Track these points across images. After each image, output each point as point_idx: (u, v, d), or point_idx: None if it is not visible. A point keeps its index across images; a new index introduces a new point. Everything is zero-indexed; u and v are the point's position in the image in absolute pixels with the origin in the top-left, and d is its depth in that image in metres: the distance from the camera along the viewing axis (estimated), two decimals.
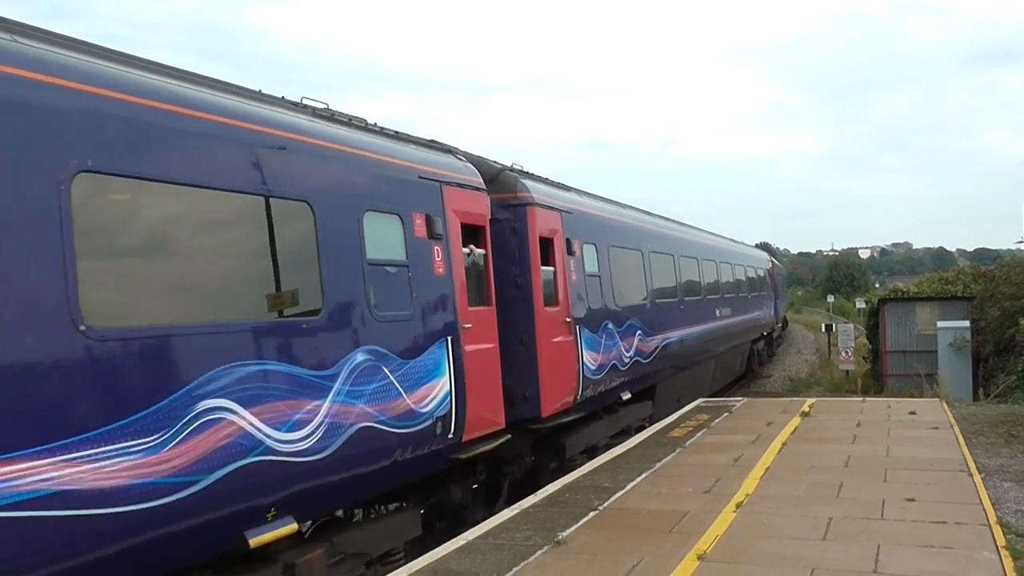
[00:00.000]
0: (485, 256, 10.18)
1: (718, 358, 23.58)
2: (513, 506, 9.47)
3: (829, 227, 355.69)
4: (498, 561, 7.42)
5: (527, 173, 12.15)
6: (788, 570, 6.97)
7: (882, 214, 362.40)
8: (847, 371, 28.79)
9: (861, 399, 18.97)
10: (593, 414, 13.47)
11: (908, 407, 15.87)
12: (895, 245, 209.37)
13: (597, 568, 7.19)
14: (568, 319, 11.96)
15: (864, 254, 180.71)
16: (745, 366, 30.04)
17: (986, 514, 8.34)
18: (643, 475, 10.67)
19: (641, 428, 15.17)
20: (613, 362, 13.58)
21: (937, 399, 17.59)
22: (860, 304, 43.35)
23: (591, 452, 13.06)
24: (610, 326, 13.63)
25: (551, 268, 11.70)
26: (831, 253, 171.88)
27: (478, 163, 10.92)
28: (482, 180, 10.28)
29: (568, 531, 8.25)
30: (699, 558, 7.27)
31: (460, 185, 9.59)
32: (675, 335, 17.46)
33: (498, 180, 11.19)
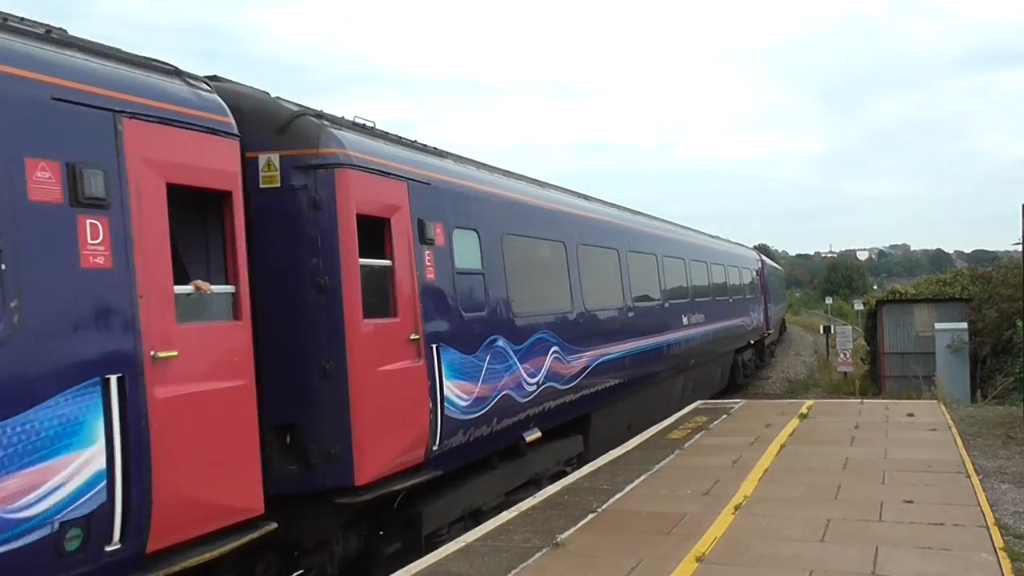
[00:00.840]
0: (226, 237, 6.74)
1: (688, 372, 19.95)
2: (512, 508, 9.48)
3: (827, 228, 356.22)
4: (497, 563, 7.43)
5: (346, 121, 8.28)
6: (787, 572, 6.99)
7: (880, 215, 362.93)
8: (845, 373, 28.80)
9: (859, 401, 19.01)
10: (478, 464, 10.06)
11: (906, 409, 15.90)
12: (893, 247, 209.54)
13: (596, 570, 7.19)
14: (414, 336, 8.24)
15: (862, 256, 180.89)
16: (727, 379, 26.20)
17: (984, 516, 8.36)
18: (642, 477, 10.68)
19: (562, 474, 11.70)
20: (505, 392, 9.99)
21: (935, 401, 17.63)
22: (858, 306, 43.44)
23: (476, 517, 9.69)
24: (500, 344, 9.98)
25: (386, 262, 8.11)
26: (829, 255, 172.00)
27: (258, 101, 7.65)
28: (232, 121, 6.74)
29: (567, 533, 8.26)
30: (698, 560, 7.29)
31: (171, 122, 6.14)
32: (617, 350, 13.97)
33: (292, 129, 7.54)
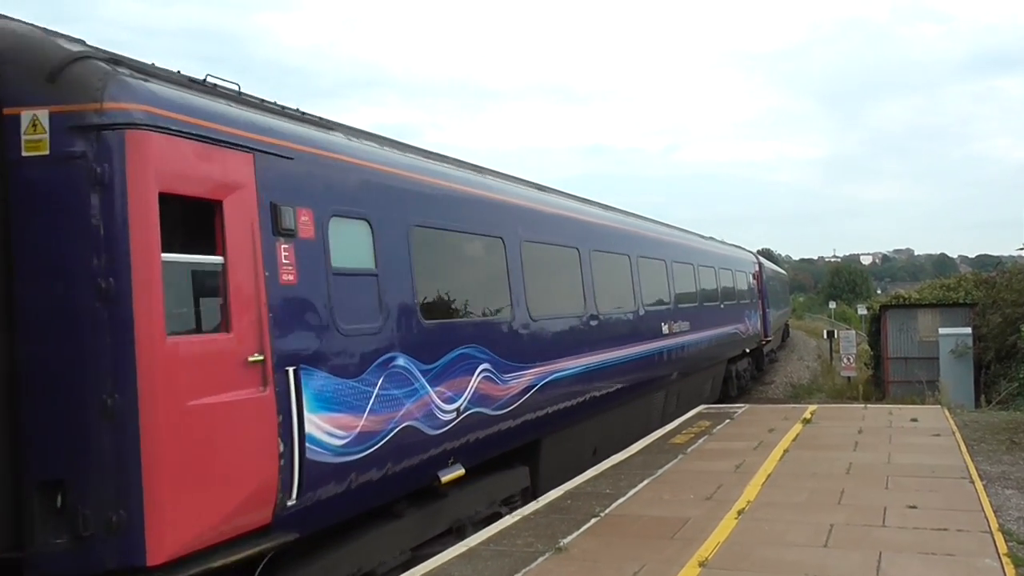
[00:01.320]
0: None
1: (672, 386, 17.75)
2: (514, 512, 9.47)
3: (831, 233, 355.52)
4: (500, 567, 7.42)
5: (158, 70, 6.36)
6: None
7: (884, 220, 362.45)
8: (849, 378, 28.77)
9: (863, 406, 18.96)
10: (379, 512, 7.99)
11: (910, 414, 15.88)
12: (897, 251, 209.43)
13: (598, 575, 7.19)
14: (256, 357, 6.21)
15: (866, 260, 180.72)
16: (719, 392, 23.85)
17: (988, 521, 8.34)
18: (645, 481, 10.67)
19: (496, 516, 9.67)
20: (408, 423, 7.87)
21: (939, 406, 17.59)
22: (862, 310, 43.43)
23: None
24: (401, 363, 7.86)
25: (215, 259, 6.11)
26: (833, 259, 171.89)
27: (21, 38, 5.73)
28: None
29: (569, 537, 8.25)
30: (701, 565, 7.28)
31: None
32: (572, 364, 11.67)
33: (67, 76, 5.59)
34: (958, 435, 13.37)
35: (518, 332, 10.37)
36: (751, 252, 32.53)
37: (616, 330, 13.91)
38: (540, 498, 10.10)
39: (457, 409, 8.69)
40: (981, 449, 12.31)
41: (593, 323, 12.75)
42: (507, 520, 9.11)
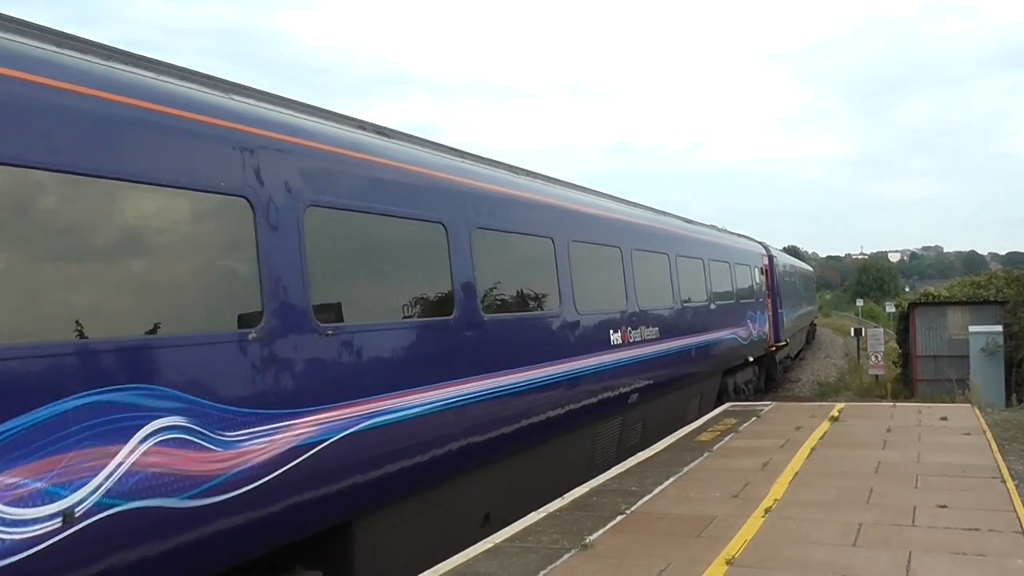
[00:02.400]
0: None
1: (632, 412, 13.67)
2: (540, 509, 9.46)
3: (858, 230, 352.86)
4: (525, 564, 7.42)
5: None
6: None
7: (912, 217, 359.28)
8: (877, 376, 28.49)
9: (891, 404, 18.77)
10: None
11: (939, 412, 15.70)
12: (925, 248, 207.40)
13: (624, 572, 7.17)
14: None
15: (894, 257, 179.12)
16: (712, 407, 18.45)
17: (1020, 521, 8.22)
18: (671, 479, 10.63)
19: None
20: None
21: (969, 404, 17.38)
22: (890, 308, 42.93)
23: None
24: None
25: None
26: (860, 256, 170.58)
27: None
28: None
29: (595, 535, 8.24)
30: (728, 563, 7.24)
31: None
32: (430, 398, 7.94)
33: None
34: (989, 434, 13.20)
35: (270, 357, 6.21)
36: (759, 243, 27.08)
37: (520, 342, 9.89)
38: (566, 495, 10.08)
39: (63, 512, 4.68)
40: (1012, 448, 12.15)
41: (467, 334, 8.74)
42: (533, 516, 9.11)
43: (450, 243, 8.68)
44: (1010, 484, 9.77)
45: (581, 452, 12.05)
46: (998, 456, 11.46)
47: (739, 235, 25.76)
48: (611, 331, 12.49)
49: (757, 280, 24.36)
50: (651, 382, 14.03)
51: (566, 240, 11.32)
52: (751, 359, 22.85)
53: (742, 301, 21.73)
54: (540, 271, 10.85)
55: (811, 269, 57.04)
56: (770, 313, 25.50)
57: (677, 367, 15.61)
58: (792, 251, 65.48)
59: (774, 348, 26.35)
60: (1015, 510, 8.64)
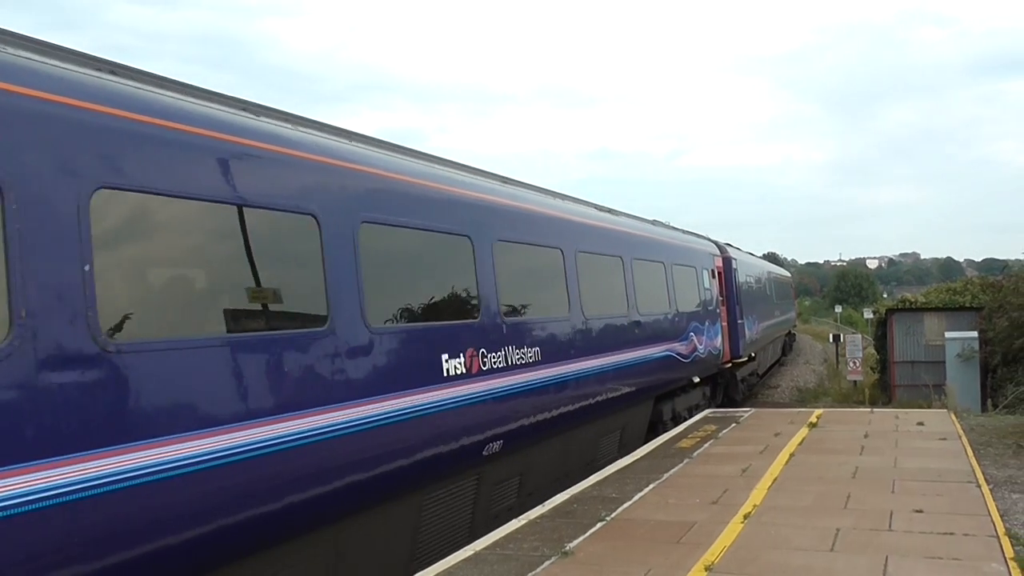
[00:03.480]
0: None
1: (500, 466, 10.05)
2: (520, 516, 9.48)
3: (837, 237, 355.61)
4: (506, 571, 7.44)
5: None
6: None
7: (890, 224, 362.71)
8: (855, 381, 28.73)
9: (869, 410, 18.94)
10: None
11: (916, 418, 15.85)
12: (903, 255, 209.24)
13: None
14: None
15: (872, 264, 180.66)
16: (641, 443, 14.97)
17: (994, 525, 8.32)
18: (651, 486, 10.67)
19: None
20: None
21: (945, 410, 17.57)
22: (868, 314, 43.36)
23: None
24: None
25: None
26: (839, 263, 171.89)
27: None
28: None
29: (575, 542, 8.26)
30: (707, 569, 7.28)
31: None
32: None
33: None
34: (964, 439, 13.34)
35: None
36: (712, 241, 22.78)
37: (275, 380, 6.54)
38: (546, 502, 10.10)
39: None
40: (988, 453, 12.29)
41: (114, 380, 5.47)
42: (513, 524, 9.12)
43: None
44: (985, 489, 9.88)
45: (396, 536, 8.39)
46: (973, 461, 11.59)
47: (686, 232, 21.39)
48: (444, 355, 8.67)
49: (706, 285, 20.31)
50: (526, 423, 10.30)
51: (413, 224, 8.67)
52: (697, 379, 18.66)
53: (685, 312, 17.83)
54: (321, 278, 7.33)
55: (788, 274, 52.44)
56: (724, 324, 21.59)
57: (572, 399, 11.73)
58: (771, 258, 65.82)
59: (730, 364, 22.56)
60: (990, 514, 8.74)
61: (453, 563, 7.79)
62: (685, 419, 17.79)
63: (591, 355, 12.52)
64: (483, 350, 9.43)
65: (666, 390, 16.82)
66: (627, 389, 14.04)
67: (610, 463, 12.73)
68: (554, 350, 11.20)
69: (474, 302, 9.58)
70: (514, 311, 10.50)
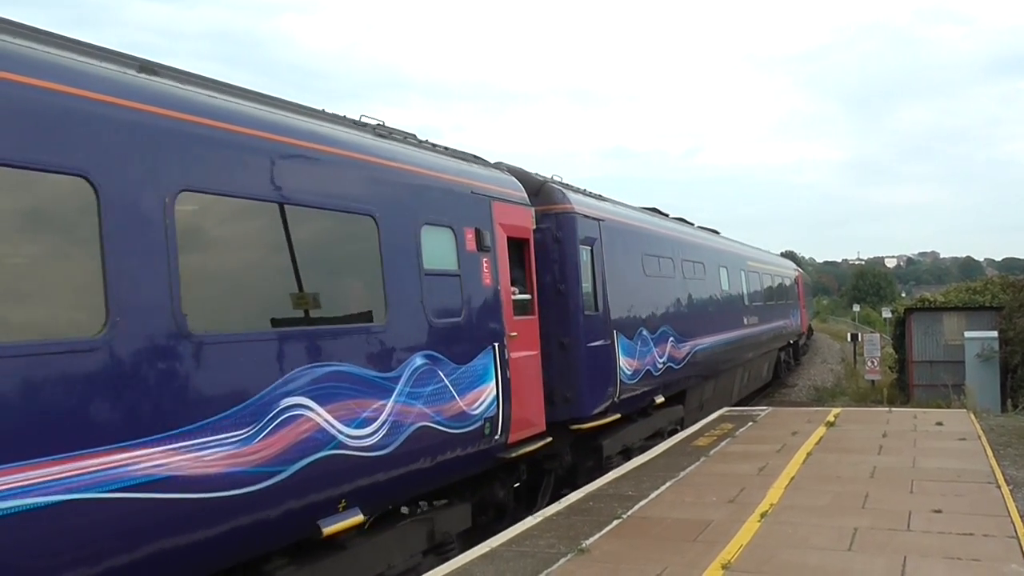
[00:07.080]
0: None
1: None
2: (536, 513, 9.49)
3: (854, 236, 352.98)
4: (522, 568, 7.44)
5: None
6: None
7: (908, 223, 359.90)
8: (873, 381, 28.52)
9: (887, 409, 18.79)
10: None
11: (935, 418, 15.73)
12: (922, 254, 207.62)
13: None
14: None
15: (890, 263, 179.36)
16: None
17: (1014, 526, 8.26)
18: (667, 484, 10.66)
19: None
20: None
21: (964, 410, 17.41)
22: (886, 314, 43.03)
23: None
24: None
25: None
26: (857, 262, 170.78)
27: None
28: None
29: (591, 539, 8.26)
30: (723, 568, 7.26)
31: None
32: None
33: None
34: (984, 439, 13.23)
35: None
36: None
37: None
38: (562, 499, 10.11)
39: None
40: (1007, 454, 12.18)
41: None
42: (529, 521, 9.14)
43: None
44: (1004, 489, 9.80)
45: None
46: (993, 461, 11.49)
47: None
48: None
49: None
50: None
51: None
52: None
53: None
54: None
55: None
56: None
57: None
58: (790, 256, 65.26)
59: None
60: (1009, 515, 8.67)
61: (469, 559, 7.81)
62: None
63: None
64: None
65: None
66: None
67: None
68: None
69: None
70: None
